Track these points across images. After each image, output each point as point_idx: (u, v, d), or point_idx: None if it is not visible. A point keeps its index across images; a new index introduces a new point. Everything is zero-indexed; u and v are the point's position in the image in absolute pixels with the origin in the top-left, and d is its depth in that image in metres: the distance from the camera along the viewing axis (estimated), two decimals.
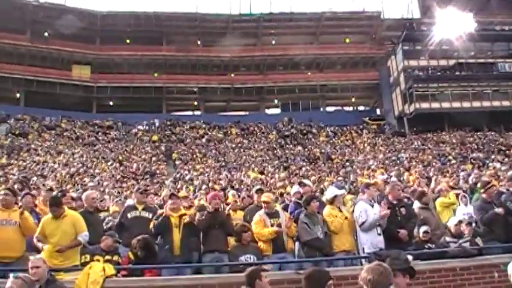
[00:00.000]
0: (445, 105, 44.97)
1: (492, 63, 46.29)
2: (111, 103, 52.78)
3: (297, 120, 48.96)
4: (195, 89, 54.80)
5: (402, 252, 5.73)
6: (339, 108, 59.22)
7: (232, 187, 18.66)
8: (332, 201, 8.42)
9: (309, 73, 56.10)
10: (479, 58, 46.17)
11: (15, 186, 10.16)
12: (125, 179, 26.22)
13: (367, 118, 51.07)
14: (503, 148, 34.93)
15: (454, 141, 38.96)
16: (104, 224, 8.99)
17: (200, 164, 33.08)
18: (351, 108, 59.74)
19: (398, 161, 31.08)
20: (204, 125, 46.65)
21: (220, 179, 24.35)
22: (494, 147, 35.73)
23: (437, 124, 43.98)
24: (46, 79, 49.63)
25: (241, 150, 38.51)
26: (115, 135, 42.17)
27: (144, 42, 52.19)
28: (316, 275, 4.26)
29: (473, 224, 8.89)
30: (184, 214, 8.04)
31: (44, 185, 17.43)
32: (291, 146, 41.03)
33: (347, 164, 31.80)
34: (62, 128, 42.13)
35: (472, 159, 30.14)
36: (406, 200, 9.75)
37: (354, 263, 7.89)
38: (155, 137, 41.96)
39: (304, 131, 45.99)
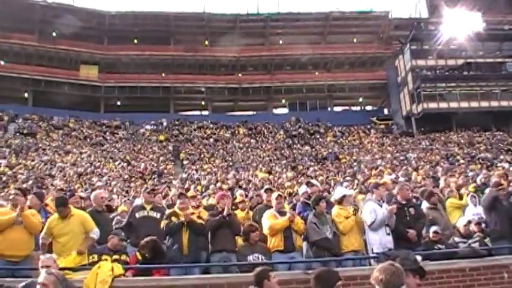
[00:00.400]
0: (453, 105, 44.86)
1: (500, 63, 46.15)
2: (118, 103, 52.86)
3: (305, 120, 48.93)
4: (203, 89, 54.78)
5: (411, 253, 5.73)
6: (347, 108, 59.11)
7: (240, 187, 18.65)
8: (341, 202, 8.42)
9: (317, 73, 56.04)
10: (487, 58, 46.03)
11: (28, 186, 10.21)
12: (133, 179, 26.27)
13: (375, 118, 50.97)
14: None
15: (462, 141, 38.80)
16: (112, 223, 9.04)
17: (208, 163, 33.11)
18: (358, 108, 59.59)
19: (406, 161, 30.97)
20: (211, 125, 46.67)
21: (227, 179, 24.35)
22: (502, 147, 35.59)
23: (445, 124, 43.86)
24: (54, 79, 49.73)
25: (249, 150, 38.51)
26: (123, 135, 42.22)
27: (152, 42, 52.29)
28: (325, 275, 4.24)
29: (483, 225, 8.86)
30: (193, 213, 8.02)
31: (52, 184, 17.54)
32: (299, 145, 40.97)
33: (355, 164, 31.73)
34: (70, 127, 42.25)
35: (480, 159, 30.02)
36: (414, 200, 9.72)
37: (363, 263, 7.87)
38: (163, 137, 42.01)
39: (312, 131, 45.94)
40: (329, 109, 56.46)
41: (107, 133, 42.16)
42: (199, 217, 7.99)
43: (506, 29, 49.31)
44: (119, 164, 31.25)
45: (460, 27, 42.59)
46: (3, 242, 6.89)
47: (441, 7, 46.25)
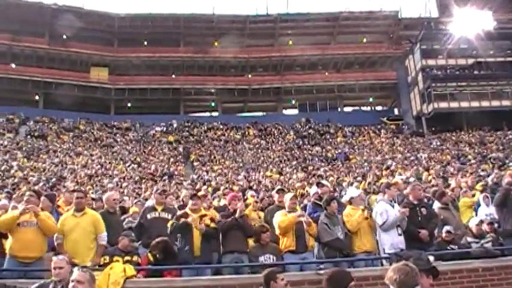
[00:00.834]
0: (464, 104, 44.53)
1: (511, 62, 45.75)
2: (129, 105, 53.13)
3: (315, 120, 48.98)
4: (212, 90, 54.93)
5: (423, 253, 5.70)
6: (357, 108, 59.05)
7: (251, 188, 18.66)
8: (351, 202, 8.44)
9: (326, 73, 56.00)
10: (498, 57, 45.62)
11: (40, 188, 10.26)
12: (143, 180, 26.33)
13: (385, 118, 50.84)
14: None
15: (473, 140, 38.56)
16: (124, 224, 9.07)
17: (218, 165, 33.16)
18: (368, 108, 59.51)
19: (417, 161, 30.83)
20: (221, 126, 46.75)
21: (238, 180, 24.37)
22: None
23: (456, 124, 43.59)
24: (64, 81, 50.04)
25: (259, 151, 38.54)
26: (133, 136, 42.35)
27: (162, 44, 52.55)
28: (338, 276, 4.23)
29: (495, 224, 8.81)
30: (205, 215, 8.00)
31: (64, 186, 17.61)
32: (309, 146, 40.94)
33: (365, 164, 31.66)
34: (81, 129, 42.43)
35: (491, 159, 29.82)
36: (426, 200, 9.68)
37: (375, 264, 7.83)
38: (173, 138, 42.09)
39: (322, 132, 45.92)
40: (339, 109, 56.44)
41: (117, 135, 42.33)
42: (211, 219, 7.97)
43: None
44: (129, 165, 31.36)
45: (471, 26, 42.37)
46: (16, 243, 6.92)
47: (451, 6, 45.96)
